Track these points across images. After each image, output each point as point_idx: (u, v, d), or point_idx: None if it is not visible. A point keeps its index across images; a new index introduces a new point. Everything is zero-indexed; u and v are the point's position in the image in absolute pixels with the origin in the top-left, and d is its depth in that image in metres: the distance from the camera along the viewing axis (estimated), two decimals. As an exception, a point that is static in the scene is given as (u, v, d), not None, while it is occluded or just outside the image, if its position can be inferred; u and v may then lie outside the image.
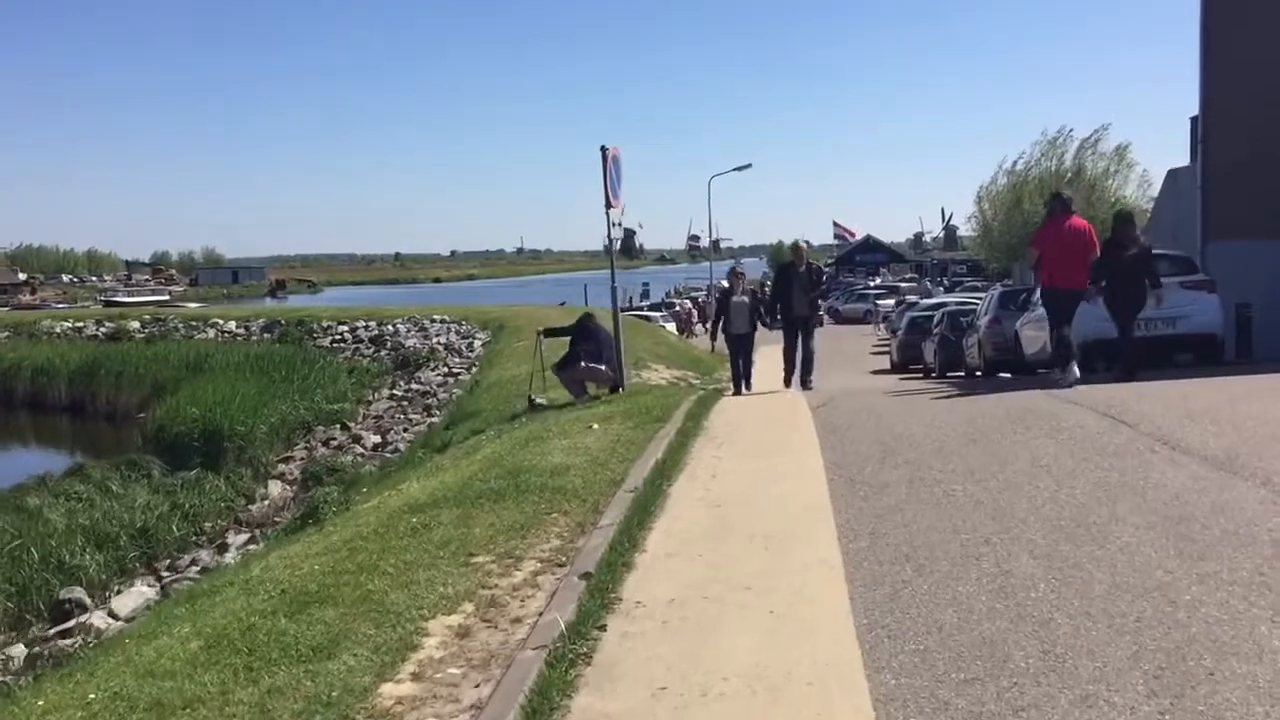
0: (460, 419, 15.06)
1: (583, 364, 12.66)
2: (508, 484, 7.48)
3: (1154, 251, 12.62)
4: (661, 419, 10.06)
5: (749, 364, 14.83)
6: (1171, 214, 25.78)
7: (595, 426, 9.82)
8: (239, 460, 18.19)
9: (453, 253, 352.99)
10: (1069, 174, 64.25)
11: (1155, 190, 68.95)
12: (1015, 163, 67.92)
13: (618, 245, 12.67)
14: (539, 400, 11.73)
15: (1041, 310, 14.75)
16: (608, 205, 12.13)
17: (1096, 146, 64.19)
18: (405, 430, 18.90)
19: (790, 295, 14.31)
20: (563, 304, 38.99)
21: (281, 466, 17.71)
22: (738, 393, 14.18)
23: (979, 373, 19.94)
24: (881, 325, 48.59)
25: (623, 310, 48.26)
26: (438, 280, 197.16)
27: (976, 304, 31.71)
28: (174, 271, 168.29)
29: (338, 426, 21.25)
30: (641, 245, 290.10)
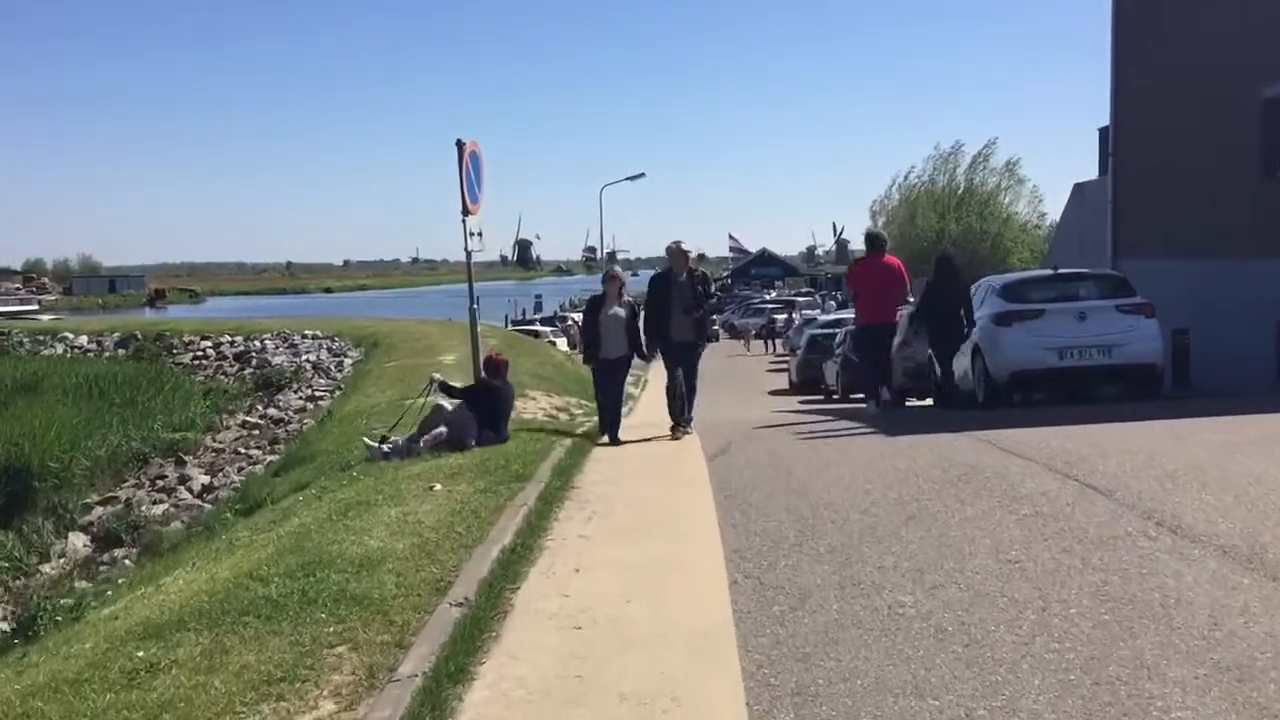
0: (294, 463, 12.86)
1: (435, 432, 10.23)
2: (296, 587, 5.45)
3: (972, 291, 13.28)
4: (522, 476, 8.10)
5: (618, 399, 11.05)
6: (1078, 229, 24.81)
7: (437, 487, 7.82)
8: (48, 505, 15.65)
9: (346, 262, 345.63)
10: (960, 188, 64.35)
11: (1046, 205, 70.00)
12: (908, 176, 67.88)
13: (477, 251, 10.67)
14: (383, 448, 9.67)
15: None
16: (465, 211, 10.12)
17: (987, 162, 64.44)
18: (240, 470, 16.57)
19: (668, 314, 10.72)
20: (448, 320, 36.68)
21: (100, 510, 15.23)
22: (611, 440, 10.60)
23: (885, 400, 18.42)
24: (775, 342, 47.29)
25: (514, 324, 45.79)
26: (329, 290, 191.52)
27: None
28: (46, 280, 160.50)
29: (173, 461, 18.76)
30: (538, 256, 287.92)
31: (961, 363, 13.46)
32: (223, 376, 31.26)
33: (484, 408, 9.88)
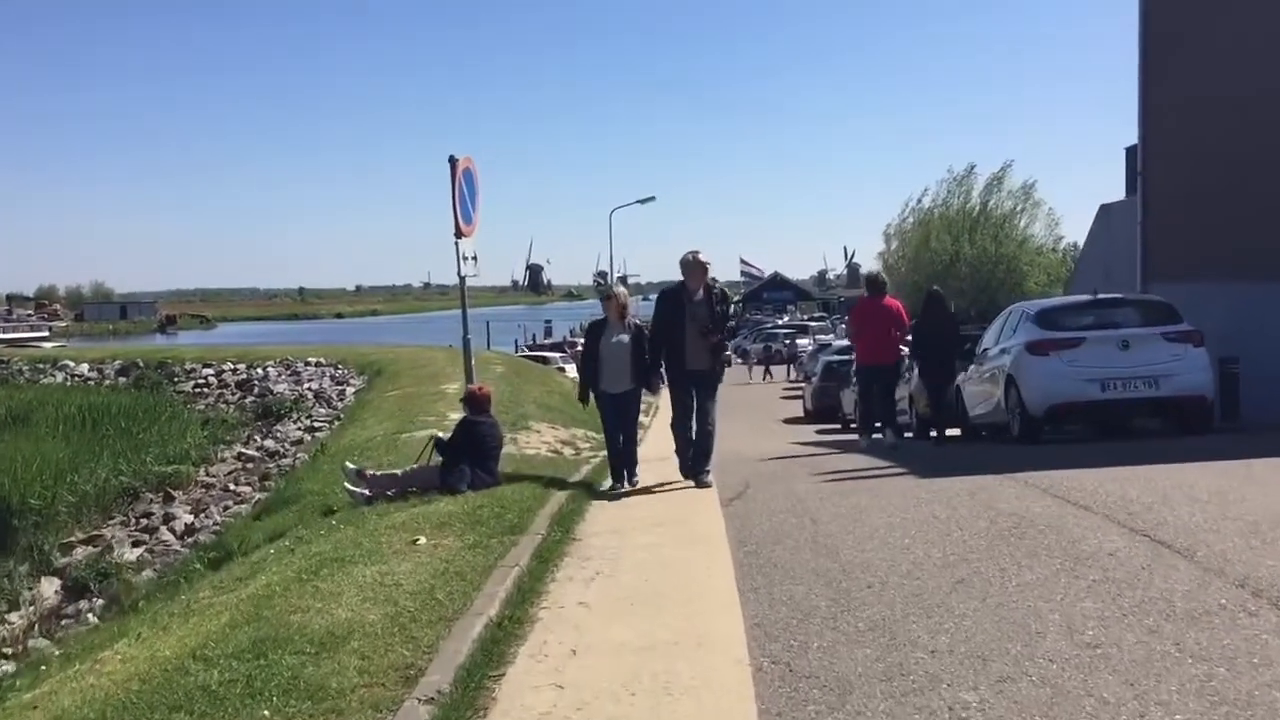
0: (277, 505, 12.03)
1: (426, 467, 9.38)
2: (242, 673, 4.63)
3: (964, 331, 14.07)
4: (517, 527, 7.26)
5: (631, 439, 9.59)
6: (1104, 252, 23.93)
7: (422, 541, 6.99)
8: (26, 545, 14.82)
9: (358, 287, 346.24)
10: (974, 210, 63.50)
11: (1064, 228, 69.12)
12: (921, 199, 67.10)
13: (472, 277, 9.81)
14: (364, 492, 8.85)
15: (990, 365, 12.45)
16: (457, 233, 9.32)
17: (1002, 184, 63.60)
18: (225, 509, 15.74)
19: (681, 338, 9.25)
20: (450, 346, 35.90)
21: (80, 551, 14.39)
22: (617, 484, 9.42)
23: (908, 433, 17.56)
24: (790, 367, 46.34)
25: (527, 349, 45.02)
26: (339, 316, 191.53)
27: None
28: (58, 306, 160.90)
29: (162, 497, 17.95)
30: (549, 281, 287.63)
31: (977, 392, 12.67)
32: (224, 405, 30.58)
33: (469, 448, 9.04)
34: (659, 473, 10.16)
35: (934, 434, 13.34)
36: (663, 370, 9.63)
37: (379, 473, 9.30)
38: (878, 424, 13.65)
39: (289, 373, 32.50)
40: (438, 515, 7.84)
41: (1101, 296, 12.27)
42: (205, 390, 33.17)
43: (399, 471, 9.17)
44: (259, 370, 33.45)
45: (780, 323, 72.74)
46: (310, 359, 33.96)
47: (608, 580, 6.17)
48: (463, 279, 9.71)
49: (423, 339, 52.52)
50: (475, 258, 9.71)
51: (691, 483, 9.34)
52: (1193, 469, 8.47)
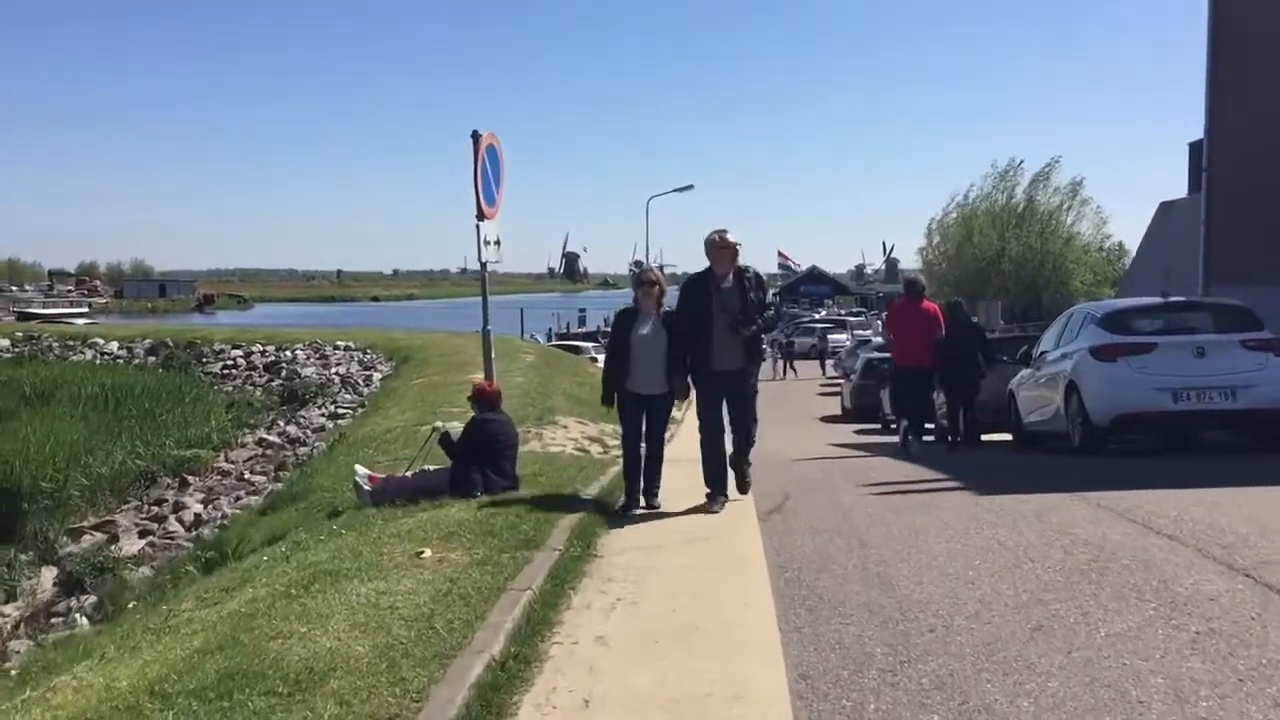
0: (284, 501, 11.37)
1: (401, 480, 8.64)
2: (202, 713, 3.96)
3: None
4: (532, 541, 6.55)
5: (657, 451, 8.15)
6: (1164, 252, 22.89)
7: (426, 554, 6.30)
8: (34, 531, 14.27)
9: (395, 271, 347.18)
10: (1020, 207, 62.16)
11: (1111, 226, 67.53)
12: (968, 194, 65.82)
13: (495, 263, 9.03)
14: (368, 490, 8.19)
15: (1049, 370, 11.62)
16: (480, 214, 8.60)
17: (1048, 180, 62.21)
18: (237, 500, 15.15)
19: (707, 333, 7.84)
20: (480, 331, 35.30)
21: (86, 539, 13.84)
22: (632, 505, 8.03)
23: (955, 437, 16.73)
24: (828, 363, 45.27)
25: (558, 338, 44.39)
26: (375, 299, 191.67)
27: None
28: (98, 283, 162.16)
29: (179, 482, 17.42)
30: (585, 269, 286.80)
31: (1033, 398, 11.86)
32: (251, 387, 30.17)
33: (481, 449, 8.33)
34: (689, 488, 8.56)
35: (950, 437, 13.24)
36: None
37: (389, 477, 8.62)
38: (929, 425, 13.54)
39: (317, 356, 32.04)
40: (447, 523, 7.14)
41: (1174, 299, 11.39)
42: (233, 372, 32.79)
43: (409, 475, 8.49)
44: (287, 353, 33.02)
45: (817, 317, 71.67)
46: (339, 343, 33.48)
47: (630, 609, 5.45)
48: (484, 264, 8.95)
49: (455, 325, 51.97)
50: (499, 242, 8.98)
51: (713, 505, 7.96)
52: (1269, 494, 7.63)
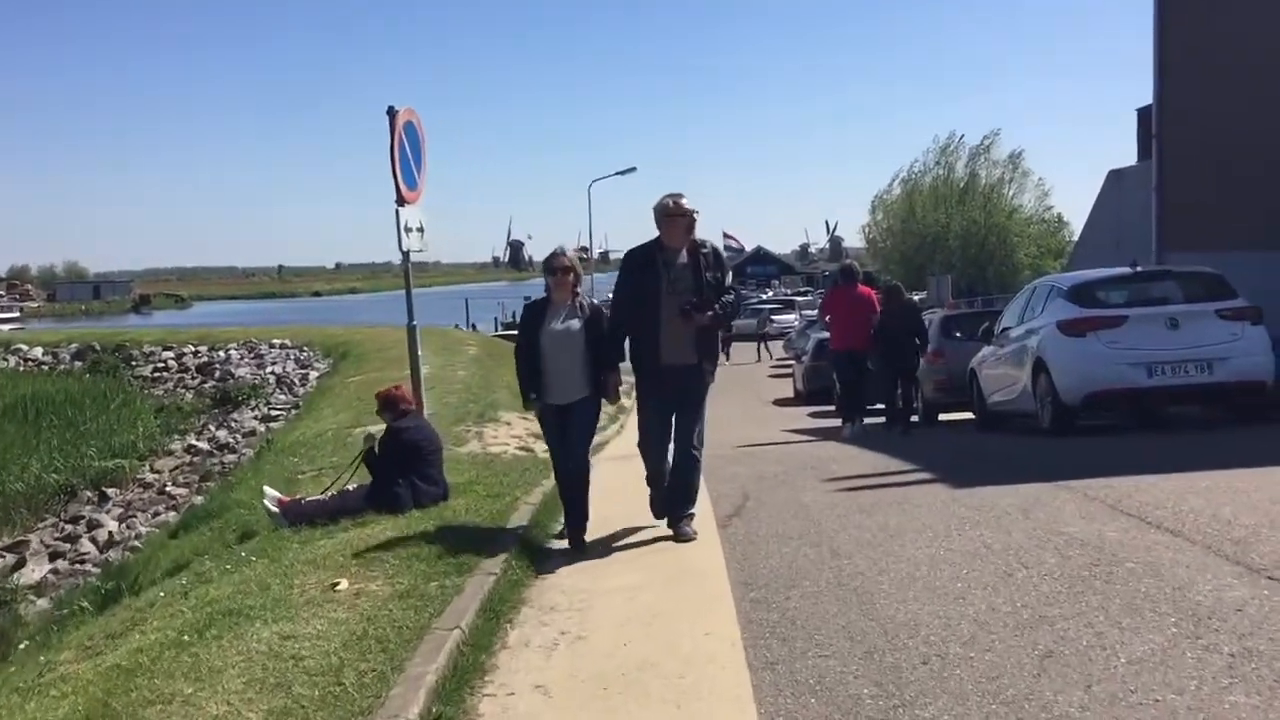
0: (199, 519, 10.42)
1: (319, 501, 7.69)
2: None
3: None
4: (464, 566, 5.79)
5: (583, 472, 6.76)
6: (1115, 220, 22.52)
7: (343, 585, 5.53)
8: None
9: (338, 265, 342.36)
10: (962, 182, 62.16)
11: (1053, 198, 67.72)
12: (910, 169, 65.74)
13: (416, 252, 8.18)
14: (282, 516, 7.37)
15: (1014, 347, 11.06)
16: (399, 199, 7.79)
17: (989, 153, 62.26)
18: (155, 516, 14.21)
19: (654, 320, 6.52)
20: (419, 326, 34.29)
21: (-2, 561, 12.85)
22: (573, 543, 6.68)
23: (914, 418, 16.19)
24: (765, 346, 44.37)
25: (503, 329, 43.33)
26: (317, 294, 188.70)
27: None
28: (29, 286, 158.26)
29: (98, 496, 16.41)
30: (530, 257, 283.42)
31: (997, 376, 11.33)
32: (183, 390, 29.00)
33: (402, 460, 7.50)
34: (627, 508, 7.48)
35: (890, 419, 13.38)
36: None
37: (304, 499, 7.79)
38: (879, 405, 13.71)
39: (252, 355, 30.91)
40: (370, 545, 6.37)
41: (1143, 269, 10.86)
42: (165, 374, 31.55)
43: (326, 496, 7.65)
44: (221, 353, 31.84)
45: (765, 298, 71.20)
46: (275, 341, 32.33)
47: (575, 646, 4.73)
48: (406, 254, 8.12)
49: (398, 318, 50.62)
50: (422, 229, 8.18)
51: (679, 536, 6.54)
52: (1267, 475, 7.08)
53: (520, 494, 7.95)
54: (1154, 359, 9.72)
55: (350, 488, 7.64)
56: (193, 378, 30.42)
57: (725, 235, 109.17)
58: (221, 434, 20.38)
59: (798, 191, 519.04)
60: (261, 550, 6.80)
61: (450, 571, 5.67)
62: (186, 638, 5.05)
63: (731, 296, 6.68)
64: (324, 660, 4.44)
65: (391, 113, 7.61)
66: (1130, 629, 4.22)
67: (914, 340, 13.06)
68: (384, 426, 7.82)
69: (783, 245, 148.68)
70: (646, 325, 6.52)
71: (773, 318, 53.73)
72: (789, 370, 32.14)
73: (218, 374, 29.59)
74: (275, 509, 7.61)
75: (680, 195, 6.56)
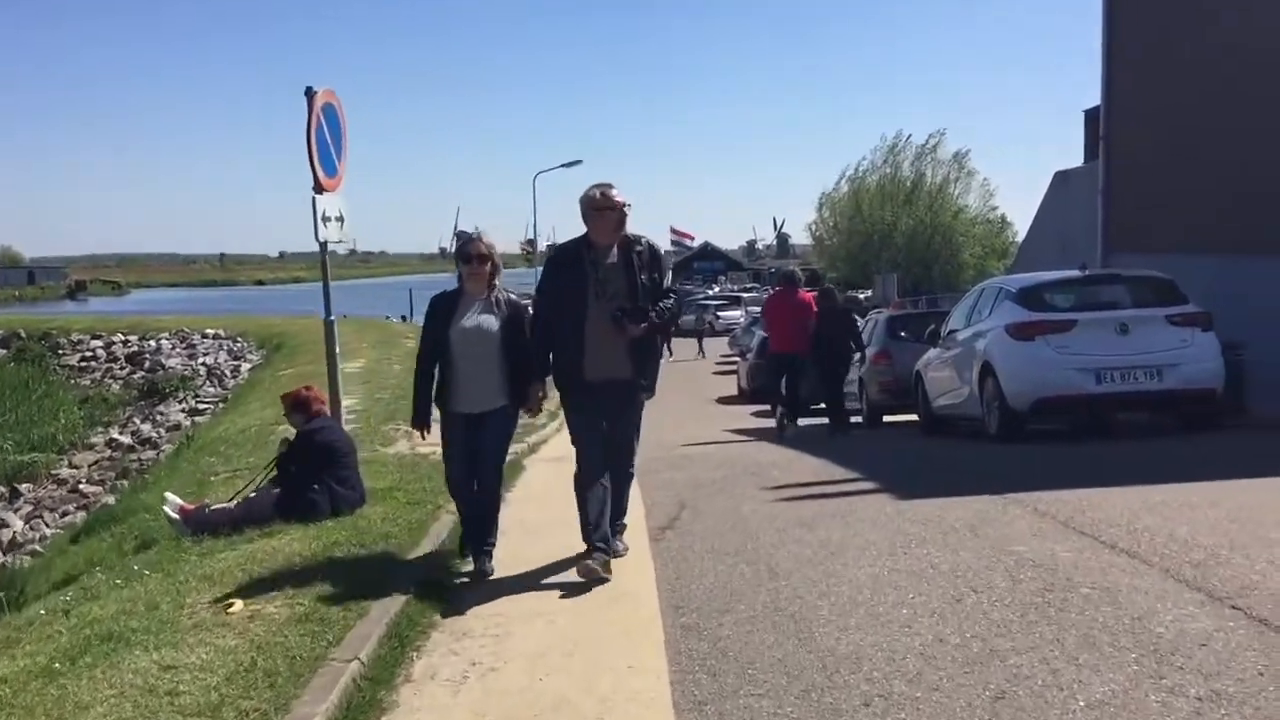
0: (103, 523, 9.72)
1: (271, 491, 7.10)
2: None
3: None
4: (373, 585, 5.33)
5: (490, 497, 6.00)
6: (1060, 223, 22.47)
7: (237, 607, 5.05)
8: None
9: (281, 254, 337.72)
10: (909, 181, 62.31)
11: (998, 199, 68.22)
12: (858, 168, 65.80)
13: (344, 247, 7.73)
14: (185, 525, 6.87)
15: (960, 350, 10.80)
16: (317, 186, 7.29)
17: (935, 153, 62.46)
18: (64, 515, 13.54)
19: (579, 327, 5.72)
20: (344, 316, 33.48)
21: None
22: (477, 569, 5.84)
23: (857, 418, 15.91)
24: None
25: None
26: (260, 283, 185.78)
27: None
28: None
29: (9, 492, 15.65)
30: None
31: (942, 379, 11.10)
32: (111, 380, 28.08)
33: (316, 465, 6.99)
34: (558, 514, 6.84)
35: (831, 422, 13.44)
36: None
37: (209, 507, 7.27)
38: (820, 405, 13.88)
39: (184, 345, 30.08)
40: (273, 559, 5.90)
41: (1093, 272, 10.63)
42: (93, 364, 30.59)
43: (233, 505, 7.13)
44: (151, 342, 30.92)
45: (712, 293, 70.96)
46: (209, 331, 31.47)
47: (487, 679, 4.30)
48: (323, 245, 7.60)
49: (342, 308, 49.77)
50: (342, 218, 7.68)
51: (592, 563, 5.52)
52: (1237, 489, 6.83)
53: (443, 501, 7.45)
54: (1103, 365, 9.49)
55: (253, 495, 7.13)
56: (121, 367, 29.55)
57: (673, 231, 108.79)
58: (146, 427, 19.66)
59: (746, 189, 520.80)
60: (157, 563, 6.29)
61: (356, 591, 5.21)
62: (58, 665, 4.56)
63: (671, 301, 5.84)
64: (203, 697, 3.98)
65: (310, 94, 7.10)
66: (1088, 666, 3.89)
67: (848, 343, 13.29)
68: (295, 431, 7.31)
69: (730, 242, 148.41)
70: (570, 335, 5.69)
71: (719, 314, 53.45)
72: (734, 367, 31.84)
73: (147, 364, 28.74)
74: (176, 516, 7.08)
75: (609, 185, 5.77)
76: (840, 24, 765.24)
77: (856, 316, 15.60)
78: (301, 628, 4.69)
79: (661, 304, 5.77)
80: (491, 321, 5.77)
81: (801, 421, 13.36)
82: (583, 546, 5.79)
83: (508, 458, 6.44)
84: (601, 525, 5.69)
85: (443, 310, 5.82)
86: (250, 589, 5.35)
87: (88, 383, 28.04)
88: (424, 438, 6.10)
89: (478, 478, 5.89)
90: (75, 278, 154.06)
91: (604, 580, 5.44)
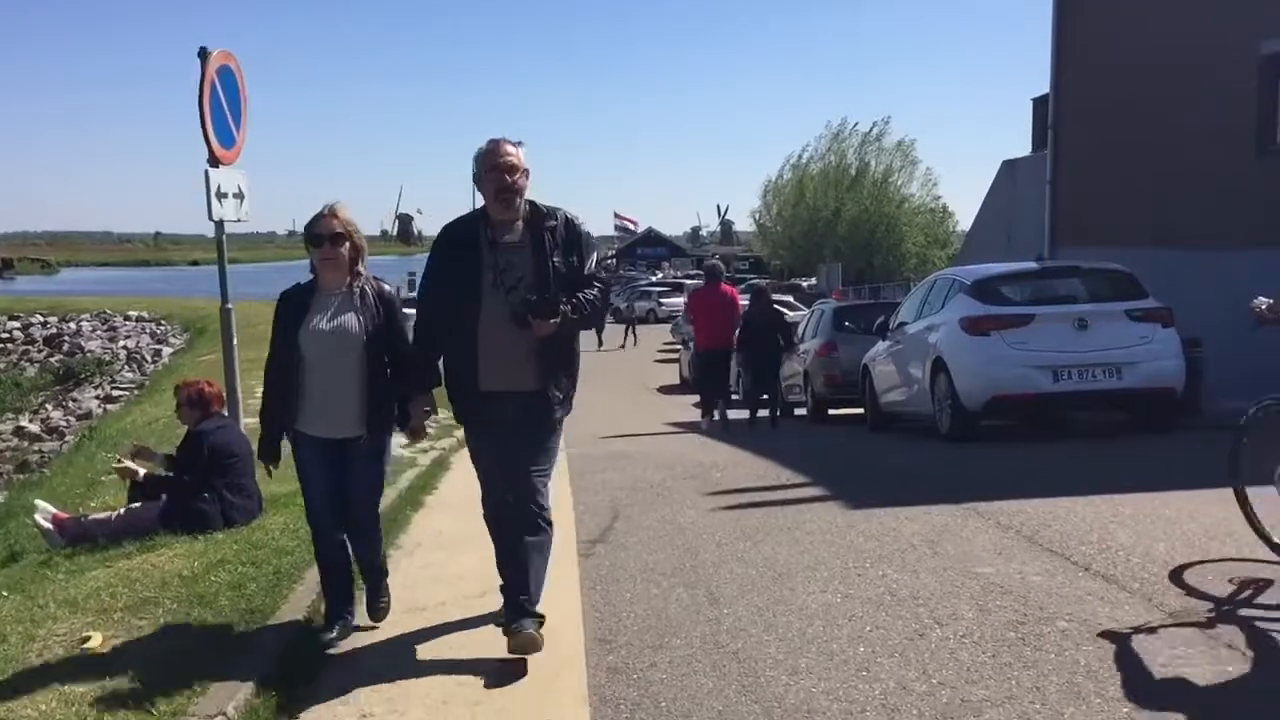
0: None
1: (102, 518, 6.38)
2: None
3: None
4: (258, 612, 4.68)
5: (370, 552, 4.77)
6: (1006, 213, 22.17)
7: (95, 641, 4.37)
8: None
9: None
10: (853, 168, 62.13)
11: (941, 189, 68.44)
12: (802, 155, 65.57)
13: (233, 221, 6.86)
14: (59, 537, 6.16)
15: (910, 344, 10.34)
16: (212, 159, 6.54)
17: (880, 141, 62.33)
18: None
19: (473, 321, 4.34)
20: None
21: None
22: (332, 630, 4.55)
23: (801, 410, 15.46)
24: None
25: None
26: (195, 263, 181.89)
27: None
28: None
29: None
30: (420, 231, 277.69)
31: (890, 374, 10.66)
32: (27, 364, 26.87)
33: (209, 469, 6.29)
34: (469, 527, 5.79)
35: (751, 415, 13.53)
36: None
37: (86, 516, 6.54)
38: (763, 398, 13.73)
39: (105, 328, 28.92)
40: (149, 580, 5.21)
41: (1050, 264, 10.18)
42: (9, 346, 29.30)
43: (112, 515, 6.40)
44: (71, 324, 29.69)
45: (655, 279, 70.43)
46: (131, 312, 30.31)
47: (377, 737, 3.67)
48: (219, 224, 6.84)
49: (273, 290, 48.39)
50: (241, 195, 6.95)
51: (513, 639, 4.20)
52: (1212, 501, 6.35)
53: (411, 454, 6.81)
54: (1060, 362, 9.04)
55: (137, 505, 6.40)
56: (39, 350, 28.31)
57: (617, 216, 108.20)
58: (57, 415, 18.66)
59: (691, 175, 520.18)
60: (19, 582, 5.55)
61: (238, 622, 4.56)
62: None
63: (595, 292, 4.44)
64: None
65: (203, 55, 6.36)
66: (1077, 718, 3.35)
67: (777, 339, 13.29)
68: (165, 447, 6.57)
69: (675, 228, 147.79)
70: (461, 333, 4.35)
71: (660, 300, 52.91)
72: (676, 355, 31.31)
73: (66, 347, 27.56)
74: (49, 526, 6.34)
75: (504, 140, 4.40)
76: (789, 8, 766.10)
77: (784, 310, 15.87)
78: (163, 670, 4.01)
79: (582, 294, 4.37)
80: (354, 321, 4.48)
81: (731, 414, 13.31)
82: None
83: (417, 461, 5.73)
84: (516, 583, 4.30)
85: (292, 308, 4.54)
86: (115, 618, 4.66)
87: (3, 365, 26.82)
88: (270, 474, 4.80)
89: (348, 525, 4.61)
90: (3, 256, 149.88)
91: (537, 650, 4.19)
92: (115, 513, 6.39)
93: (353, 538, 4.65)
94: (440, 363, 4.54)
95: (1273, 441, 4.88)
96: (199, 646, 4.29)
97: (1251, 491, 5.07)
